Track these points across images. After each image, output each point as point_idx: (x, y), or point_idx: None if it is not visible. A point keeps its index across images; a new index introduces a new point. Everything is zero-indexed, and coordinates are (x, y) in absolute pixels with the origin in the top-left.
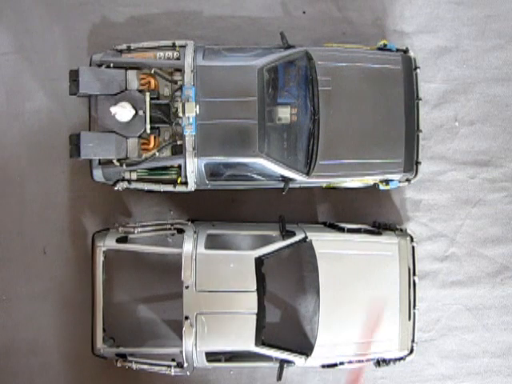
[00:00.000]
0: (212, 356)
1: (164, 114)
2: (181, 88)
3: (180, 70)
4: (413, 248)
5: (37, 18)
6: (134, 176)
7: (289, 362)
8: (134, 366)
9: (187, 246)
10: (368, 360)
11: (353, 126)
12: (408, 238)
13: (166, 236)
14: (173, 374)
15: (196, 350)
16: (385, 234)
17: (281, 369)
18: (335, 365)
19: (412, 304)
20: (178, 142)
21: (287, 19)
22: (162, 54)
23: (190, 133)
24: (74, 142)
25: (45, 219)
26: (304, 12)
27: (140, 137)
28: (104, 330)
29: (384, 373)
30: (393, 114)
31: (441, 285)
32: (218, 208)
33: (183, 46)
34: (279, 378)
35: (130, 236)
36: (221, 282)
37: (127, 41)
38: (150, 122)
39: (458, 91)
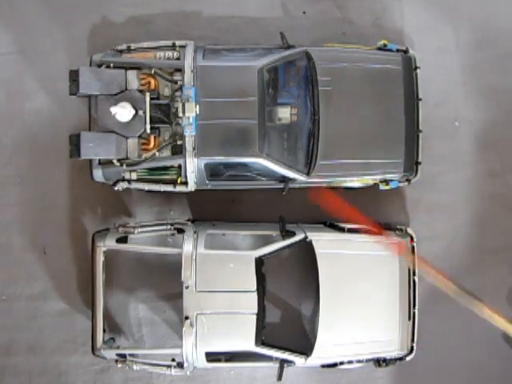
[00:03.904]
0: (212, 356)
1: (164, 113)
2: (181, 88)
3: (180, 70)
4: (413, 248)
5: (37, 17)
6: (134, 176)
7: (289, 362)
8: (135, 366)
9: (187, 246)
10: (368, 360)
11: (353, 125)
12: (408, 238)
13: (166, 236)
14: (173, 373)
15: (196, 350)
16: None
17: (281, 369)
18: (335, 365)
19: (412, 304)
20: (178, 142)
21: (287, 19)
22: (162, 54)
23: (190, 133)
24: (74, 143)
25: (45, 219)
26: (304, 12)
27: (140, 137)
28: (104, 330)
29: (384, 373)
30: (393, 114)
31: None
32: (218, 208)
33: (183, 46)
34: (279, 378)
35: (130, 236)
36: (221, 282)
37: (127, 41)
38: (150, 122)
39: (458, 91)
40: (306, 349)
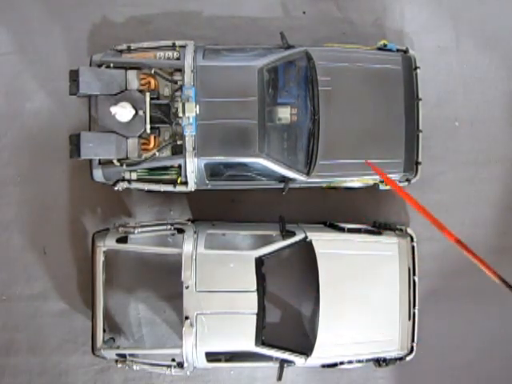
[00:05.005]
0: (212, 356)
1: (164, 114)
2: (181, 88)
3: (180, 70)
4: (413, 248)
5: (37, 18)
6: (134, 176)
7: (289, 362)
8: (135, 366)
9: (187, 246)
10: (368, 360)
11: (353, 125)
12: (408, 238)
13: (166, 236)
14: (173, 373)
15: (196, 350)
16: (385, 234)
17: (281, 369)
18: (335, 365)
19: (412, 304)
20: (178, 142)
21: (287, 19)
22: (162, 54)
23: (189, 133)
24: (74, 142)
25: (45, 219)
26: (304, 12)
27: (140, 137)
28: (104, 330)
29: (384, 373)
30: (393, 114)
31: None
32: (218, 208)
33: (183, 46)
34: (279, 378)
35: (130, 236)
36: (221, 282)
37: (127, 41)
38: (150, 122)
39: (458, 91)
40: (306, 349)
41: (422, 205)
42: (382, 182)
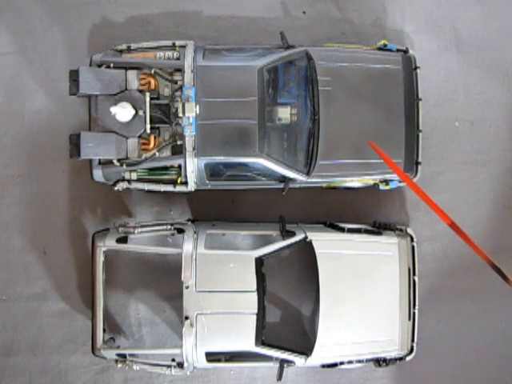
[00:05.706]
0: (212, 356)
1: (164, 114)
2: (181, 88)
3: (180, 69)
4: (413, 248)
5: (37, 18)
6: (134, 176)
7: (289, 362)
8: (135, 366)
9: (187, 246)
10: (368, 360)
11: (353, 126)
12: (408, 238)
13: (166, 236)
14: (173, 373)
15: (196, 350)
16: (385, 234)
17: (281, 369)
18: (335, 365)
19: (412, 304)
20: (178, 142)
21: (287, 19)
22: (162, 54)
23: (190, 133)
24: (74, 142)
25: (45, 219)
26: (304, 12)
27: (140, 137)
28: (104, 330)
29: (384, 373)
30: (393, 114)
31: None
32: (218, 208)
33: (183, 46)
34: (279, 378)
35: (130, 236)
36: (221, 282)
37: (127, 41)
38: (150, 122)
39: (458, 91)
40: (306, 349)
41: (418, 186)
42: (382, 181)
